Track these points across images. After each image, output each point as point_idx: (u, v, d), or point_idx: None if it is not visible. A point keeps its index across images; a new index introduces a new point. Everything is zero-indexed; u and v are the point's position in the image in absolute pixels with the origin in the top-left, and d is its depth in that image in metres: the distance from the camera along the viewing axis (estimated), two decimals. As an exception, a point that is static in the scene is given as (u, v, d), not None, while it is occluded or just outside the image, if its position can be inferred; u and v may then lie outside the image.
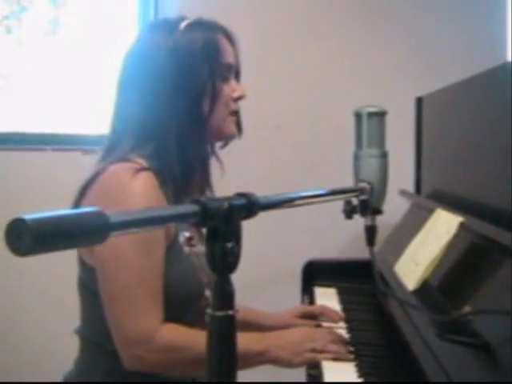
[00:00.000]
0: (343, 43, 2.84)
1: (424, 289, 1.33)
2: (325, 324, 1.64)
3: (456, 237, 1.33)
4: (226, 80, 1.42)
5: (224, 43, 1.42)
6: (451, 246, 1.34)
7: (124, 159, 1.34)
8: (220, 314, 0.77)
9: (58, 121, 2.76)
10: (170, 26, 1.42)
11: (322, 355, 1.37)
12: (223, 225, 0.73)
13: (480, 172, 1.49)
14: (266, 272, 2.67)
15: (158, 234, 1.31)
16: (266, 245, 2.75)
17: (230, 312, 0.77)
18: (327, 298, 1.90)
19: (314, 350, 1.37)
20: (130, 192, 1.28)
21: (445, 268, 1.33)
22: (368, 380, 1.28)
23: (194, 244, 0.76)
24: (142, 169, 1.31)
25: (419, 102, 2.11)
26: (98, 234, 0.55)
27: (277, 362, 1.37)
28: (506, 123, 1.27)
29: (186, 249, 0.77)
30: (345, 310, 1.77)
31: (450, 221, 1.39)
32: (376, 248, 1.35)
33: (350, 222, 1.34)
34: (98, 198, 1.32)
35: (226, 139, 1.48)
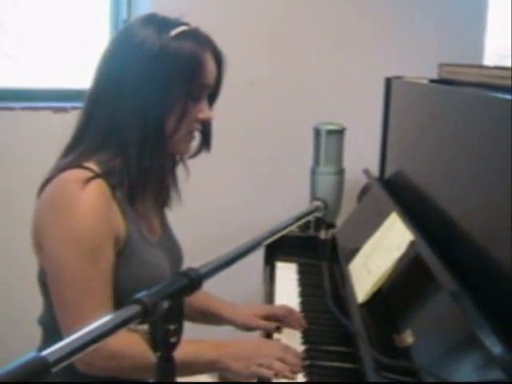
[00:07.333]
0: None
1: (372, 304, 1.40)
2: (284, 331, 1.62)
3: (405, 254, 1.38)
4: (196, 99, 1.40)
5: (209, 62, 1.40)
6: (401, 261, 1.39)
7: (76, 166, 1.34)
8: (162, 389, 0.83)
9: (25, 75, 2.71)
10: (164, 26, 1.38)
11: (270, 372, 1.36)
12: (164, 320, 0.77)
13: (441, 163, 1.51)
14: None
15: (105, 241, 1.33)
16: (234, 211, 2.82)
17: (171, 387, 0.83)
18: (287, 278, 1.98)
19: (262, 366, 1.38)
20: (81, 207, 1.30)
21: (393, 284, 1.40)
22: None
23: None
24: (92, 177, 1.32)
25: (388, 82, 2.11)
26: (40, 376, 0.59)
27: (226, 372, 1.40)
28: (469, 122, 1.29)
29: (131, 326, 0.81)
30: (303, 295, 1.85)
31: (402, 235, 1.44)
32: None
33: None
34: (48, 209, 1.34)
35: (180, 156, 1.51)
